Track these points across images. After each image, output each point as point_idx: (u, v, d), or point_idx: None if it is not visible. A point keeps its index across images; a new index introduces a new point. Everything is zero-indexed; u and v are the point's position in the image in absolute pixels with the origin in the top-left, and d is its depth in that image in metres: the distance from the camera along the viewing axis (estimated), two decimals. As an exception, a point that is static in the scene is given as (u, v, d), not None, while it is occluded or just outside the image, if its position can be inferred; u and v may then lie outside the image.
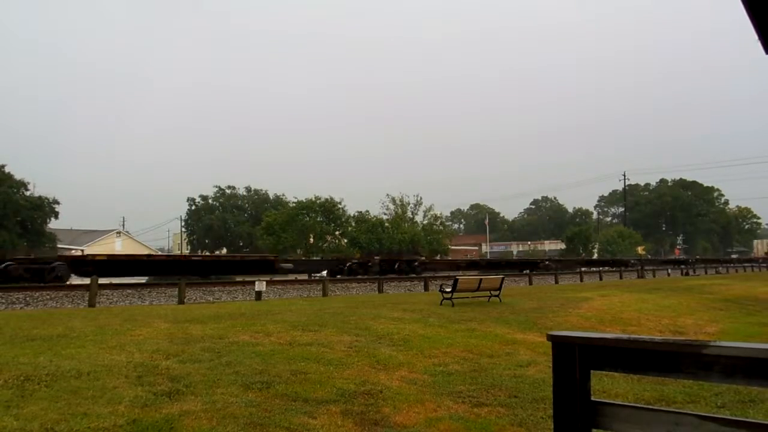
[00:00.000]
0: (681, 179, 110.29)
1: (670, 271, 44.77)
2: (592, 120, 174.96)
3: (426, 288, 23.67)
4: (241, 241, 72.19)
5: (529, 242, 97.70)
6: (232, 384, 5.86)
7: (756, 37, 2.68)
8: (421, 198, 56.84)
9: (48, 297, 17.25)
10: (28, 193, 42.84)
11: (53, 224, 47.13)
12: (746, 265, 54.49)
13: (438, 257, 49.26)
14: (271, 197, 76.01)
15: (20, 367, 6.18)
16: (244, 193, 77.98)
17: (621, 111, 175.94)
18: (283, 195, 71.32)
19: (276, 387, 5.85)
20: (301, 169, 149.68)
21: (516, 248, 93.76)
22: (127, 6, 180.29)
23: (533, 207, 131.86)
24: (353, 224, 51.93)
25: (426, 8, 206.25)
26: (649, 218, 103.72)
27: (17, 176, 42.72)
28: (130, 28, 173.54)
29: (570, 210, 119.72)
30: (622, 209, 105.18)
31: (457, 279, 15.75)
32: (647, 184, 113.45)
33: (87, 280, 17.93)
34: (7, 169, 42.09)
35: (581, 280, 32.23)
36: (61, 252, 45.84)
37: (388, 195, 56.73)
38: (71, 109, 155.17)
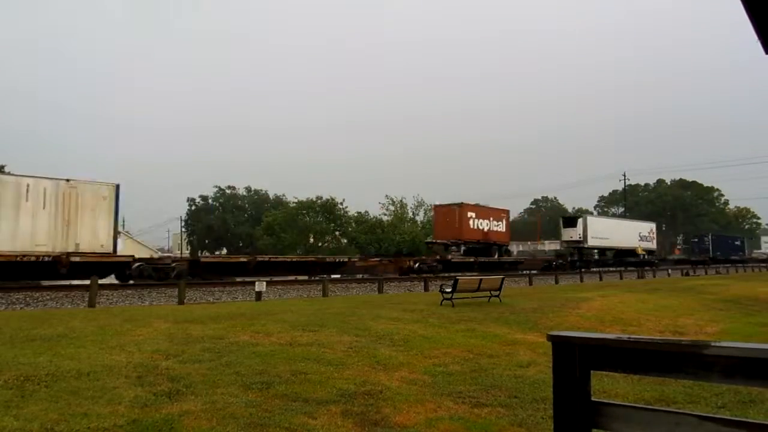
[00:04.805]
0: (681, 179, 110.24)
1: (670, 271, 44.97)
2: (592, 120, 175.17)
3: (426, 288, 23.67)
4: (241, 241, 72.10)
5: (529, 242, 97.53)
6: (232, 384, 5.87)
7: (756, 37, 2.68)
8: (422, 199, 56.72)
9: (48, 297, 17.26)
10: (28, 193, 42.78)
11: (53, 224, 47.04)
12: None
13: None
14: (271, 197, 75.98)
15: (20, 367, 6.18)
16: (244, 193, 77.93)
17: (621, 111, 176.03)
18: (283, 195, 71.41)
19: (276, 387, 5.85)
20: (301, 169, 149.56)
21: (516, 248, 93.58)
22: (127, 6, 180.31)
23: (533, 207, 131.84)
24: (353, 224, 51.93)
25: (426, 8, 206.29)
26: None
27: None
28: (130, 28, 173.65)
29: (570, 210, 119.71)
30: (622, 209, 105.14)
31: (457, 279, 15.78)
32: (647, 184, 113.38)
33: (87, 281, 17.92)
34: (6, 169, 42.11)
35: (581, 280, 32.24)
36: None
37: (387, 196, 56.68)
38: (70, 108, 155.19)
